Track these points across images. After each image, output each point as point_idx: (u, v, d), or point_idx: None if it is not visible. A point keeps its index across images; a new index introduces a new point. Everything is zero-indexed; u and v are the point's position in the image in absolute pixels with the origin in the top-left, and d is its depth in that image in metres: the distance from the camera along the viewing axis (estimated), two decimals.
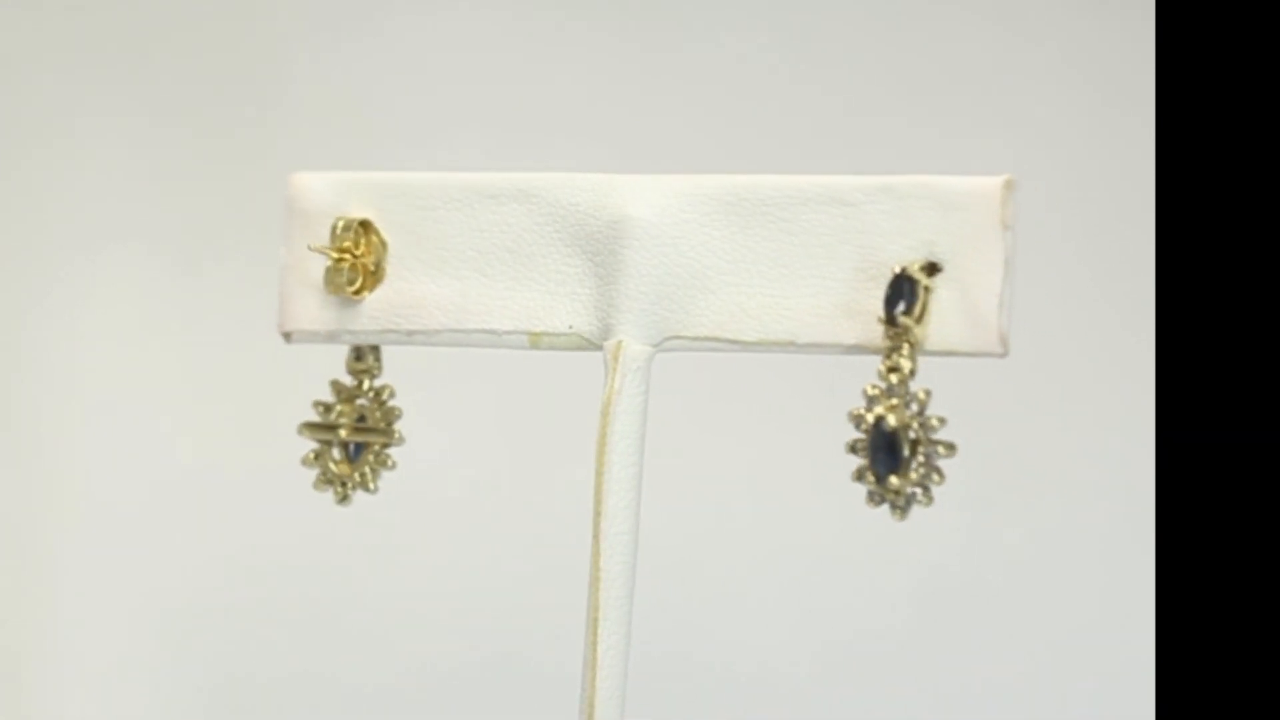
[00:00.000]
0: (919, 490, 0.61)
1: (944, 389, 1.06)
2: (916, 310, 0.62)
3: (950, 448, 0.61)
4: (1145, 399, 1.01)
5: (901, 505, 0.61)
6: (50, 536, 1.04)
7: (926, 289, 0.62)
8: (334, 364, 0.70)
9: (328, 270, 0.69)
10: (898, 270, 0.62)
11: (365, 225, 0.69)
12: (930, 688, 1.06)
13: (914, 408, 0.61)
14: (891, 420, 0.61)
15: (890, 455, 0.61)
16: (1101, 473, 1.07)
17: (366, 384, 0.70)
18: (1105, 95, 1.08)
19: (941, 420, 0.61)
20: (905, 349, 0.62)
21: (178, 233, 1.05)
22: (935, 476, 0.61)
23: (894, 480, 0.61)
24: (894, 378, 0.62)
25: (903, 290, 0.62)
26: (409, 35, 1.06)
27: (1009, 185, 0.62)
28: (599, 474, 0.65)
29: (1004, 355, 0.61)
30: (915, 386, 0.62)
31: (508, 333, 0.67)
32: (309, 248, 0.69)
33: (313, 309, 0.70)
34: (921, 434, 0.61)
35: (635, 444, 0.65)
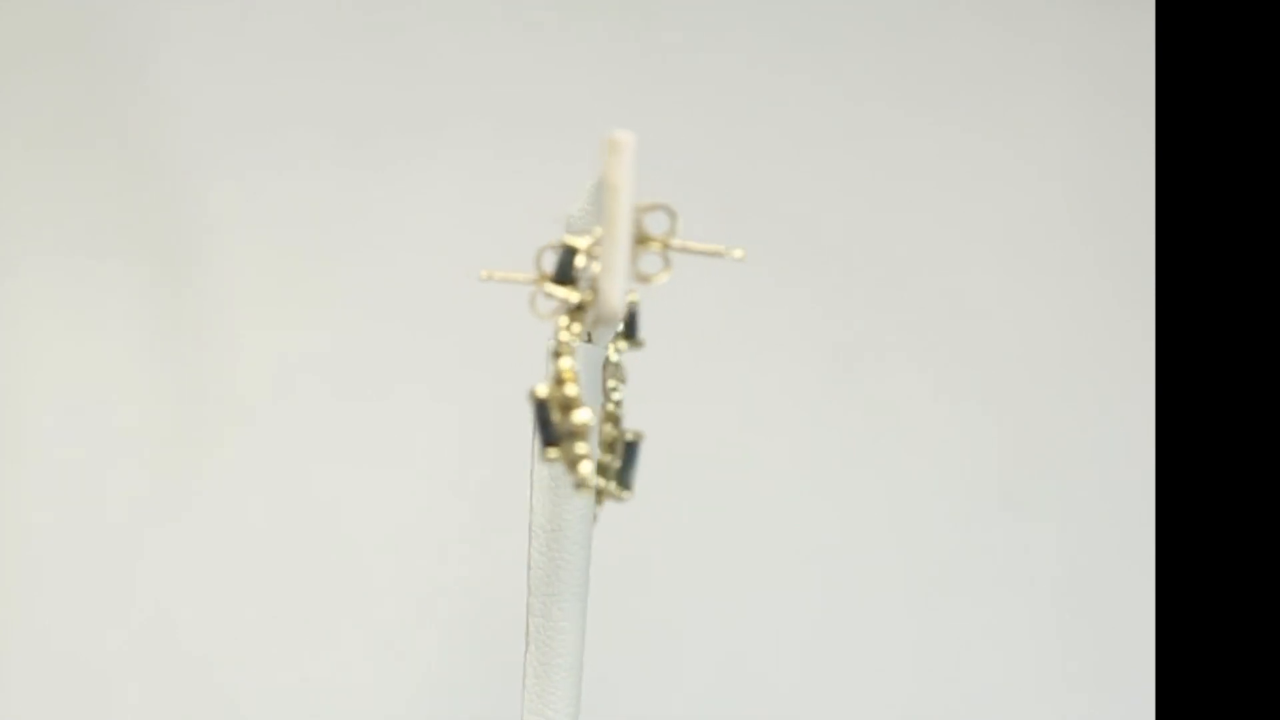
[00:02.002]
0: (581, 461, 0.61)
1: (945, 379, 1.06)
2: (571, 280, 0.61)
3: (579, 418, 0.60)
4: (1146, 392, 1.01)
5: (578, 482, 0.60)
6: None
7: (590, 257, 0.61)
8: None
9: None
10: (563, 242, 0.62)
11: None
12: (926, 682, 1.06)
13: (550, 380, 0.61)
14: (539, 392, 0.61)
15: (544, 429, 0.61)
16: (1102, 469, 1.07)
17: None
18: (1105, 95, 1.08)
19: (578, 391, 0.60)
20: (563, 320, 0.62)
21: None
22: (580, 447, 0.60)
23: (551, 452, 0.60)
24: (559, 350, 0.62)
25: (561, 261, 0.62)
26: (407, 35, 1.06)
27: (610, 145, 0.58)
28: (531, 466, 0.65)
29: (615, 323, 0.58)
30: (566, 362, 0.61)
31: (584, 338, 0.67)
32: (481, 277, 0.68)
33: None
34: (564, 405, 0.60)
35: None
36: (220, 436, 1.05)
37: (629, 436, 0.69)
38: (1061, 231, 1.08)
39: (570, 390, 0.60)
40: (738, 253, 0.61)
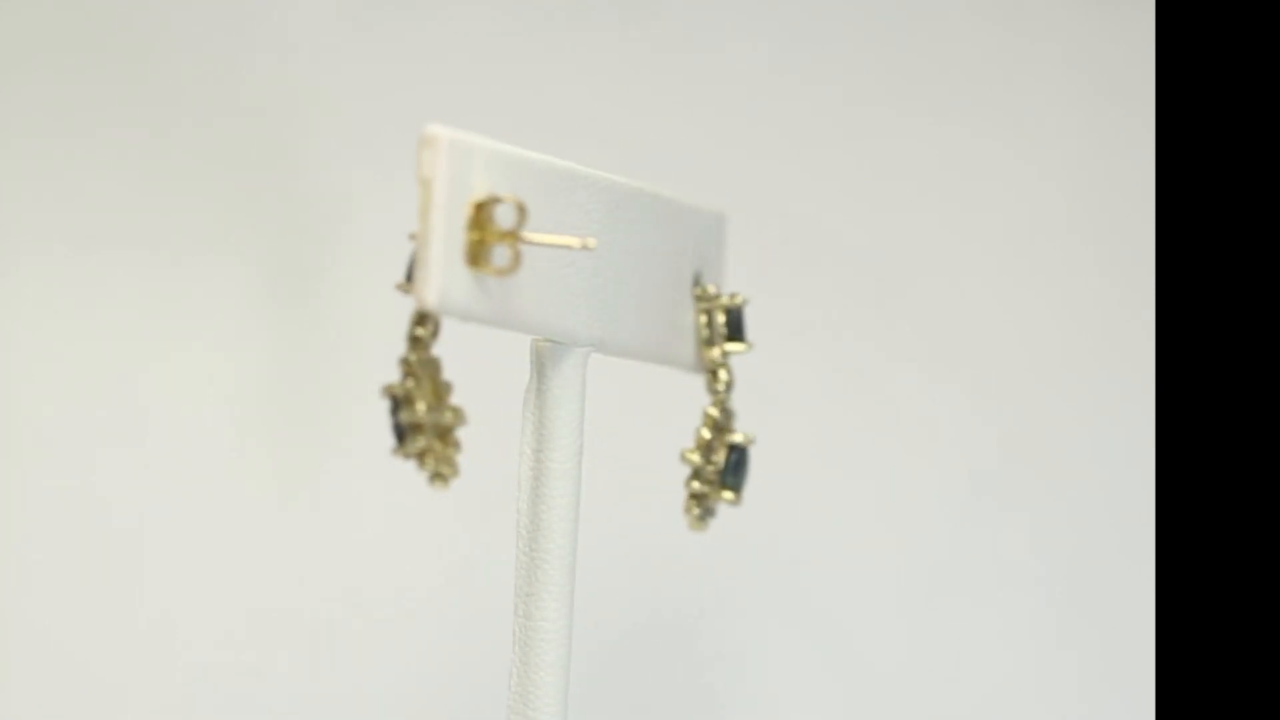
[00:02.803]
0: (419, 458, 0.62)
1: (942, 379, 1.06)
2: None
3: (416, 414, 0.62)
4: (1146, 391, 1.01)
5: (430, 477, 0.62)
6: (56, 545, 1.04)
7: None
8: None
9: None
10: None
11: None
12: (925, 685, 1.06)
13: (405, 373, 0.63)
14: (388, 388, 0.62)
15: (393, 425, 0.62)
16: (1101, 469, 1.07)
17: None
18: (1105, 95, 1.08)
19: (413, 386, 0.62)
20: (415, 316, 0.63)
21: (176, 234, 1.05)
22: (420, 442, 0.62)
23: (396, 448, 0.62)
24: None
25: (412, 258, 0.63)
26: (408, 34, 1.06)
27: (421, 140, 0.59)
28: (519, 466, 0.66)
29: (433, 310, 0.59)
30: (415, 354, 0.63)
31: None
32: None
33: None
34: (406, 400, 0.62)
35: (547, 440, 0.65)
36: (217, 437, 1.04)
37: (734, 439, 0.69)
38: (1061, 232, 1.08)
39: (408, 384, 0.61)
40: (591, 242, 0.61)
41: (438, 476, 0.62)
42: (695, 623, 1.05)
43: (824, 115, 1.07)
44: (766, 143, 1.07)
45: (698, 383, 1.00)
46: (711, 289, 0.71)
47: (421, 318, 0.62)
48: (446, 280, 0.59)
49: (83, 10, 1.04)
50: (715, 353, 0.70)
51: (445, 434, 0.63)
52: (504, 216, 0.60)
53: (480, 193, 0.60)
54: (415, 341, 0.63)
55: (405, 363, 0.62)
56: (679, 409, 1.05)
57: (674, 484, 1.05)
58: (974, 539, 1.06)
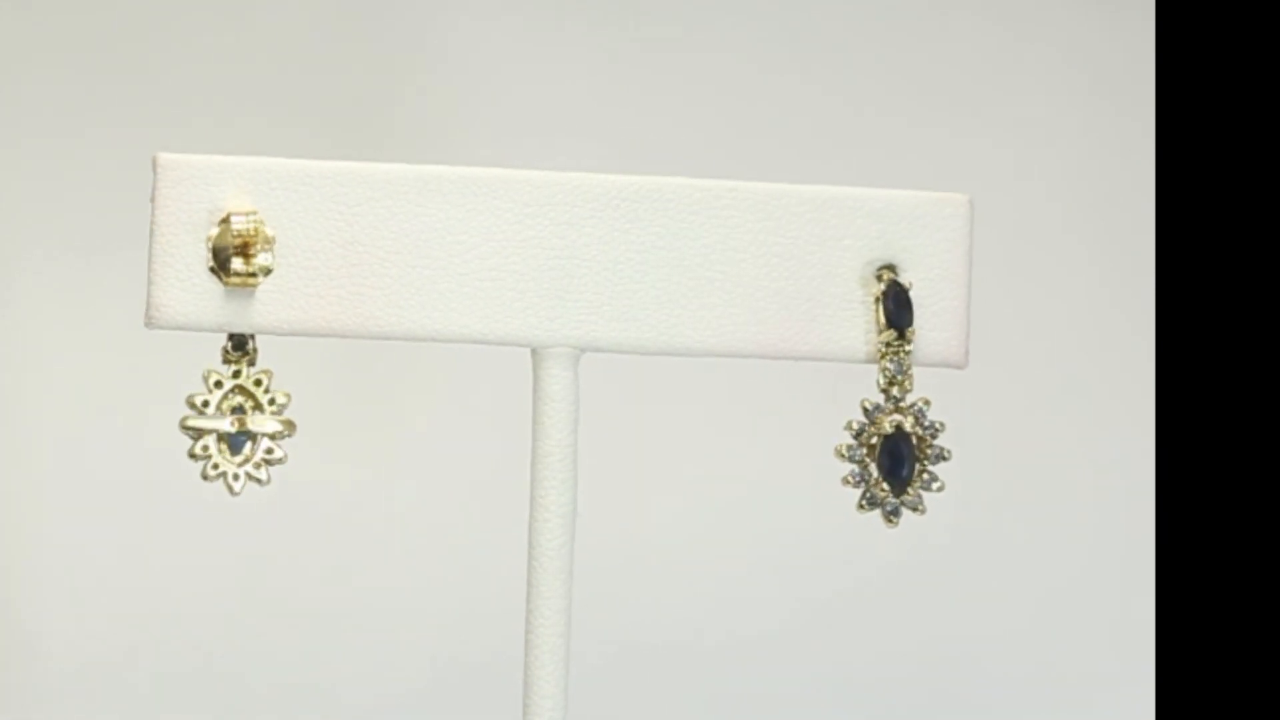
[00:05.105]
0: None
1: (939, 382, 1.06)
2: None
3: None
4: (1146, 400, 1.01)
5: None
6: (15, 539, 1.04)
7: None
8: None
9: None
10: None
11: None
12: (926, 680, 1.06)
13: None
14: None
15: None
16: (1100, 472, 1.07)
17: None
18: (1105, 95, 1.08)
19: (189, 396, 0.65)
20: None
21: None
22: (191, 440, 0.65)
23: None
24: None
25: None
26: (410, 34, 1.06)
27: (152, 164, 0.66)
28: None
29: (150, 326, 0.65)
30: None
31: None
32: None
33: None
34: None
35: (538, 442, 0.66)
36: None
37: (883, 430, 0.68)
38: (1060, 232, 1.08)
39: (199, 395, 0.65)
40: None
41: (223, 480, 0.66)
42: (697, 624, 1.06)
43: (823, 115, 1.07)
44: (766, 143, 1.07)
45: (698, 383, 1.00)
46: (886, 276, 0.69)
47: (229, 336, 0.66)
48: (168, 297, 0.64)
49: (83, 10, 1.05)
50: (876, 343, 0.68)
51: (235, 442, 0.67)
52: (238, 229, 0.65)
53: (226, 211, 0.65)
54: (223, 356, 0.66)
55: (204, 376, 0.65)
56: (688, 410, 1.05)
57: (676, 486, 1.06)
58: (973, 540, 1.06)
